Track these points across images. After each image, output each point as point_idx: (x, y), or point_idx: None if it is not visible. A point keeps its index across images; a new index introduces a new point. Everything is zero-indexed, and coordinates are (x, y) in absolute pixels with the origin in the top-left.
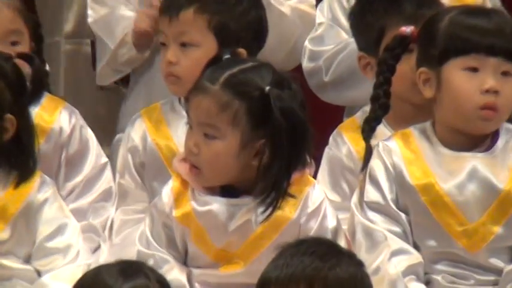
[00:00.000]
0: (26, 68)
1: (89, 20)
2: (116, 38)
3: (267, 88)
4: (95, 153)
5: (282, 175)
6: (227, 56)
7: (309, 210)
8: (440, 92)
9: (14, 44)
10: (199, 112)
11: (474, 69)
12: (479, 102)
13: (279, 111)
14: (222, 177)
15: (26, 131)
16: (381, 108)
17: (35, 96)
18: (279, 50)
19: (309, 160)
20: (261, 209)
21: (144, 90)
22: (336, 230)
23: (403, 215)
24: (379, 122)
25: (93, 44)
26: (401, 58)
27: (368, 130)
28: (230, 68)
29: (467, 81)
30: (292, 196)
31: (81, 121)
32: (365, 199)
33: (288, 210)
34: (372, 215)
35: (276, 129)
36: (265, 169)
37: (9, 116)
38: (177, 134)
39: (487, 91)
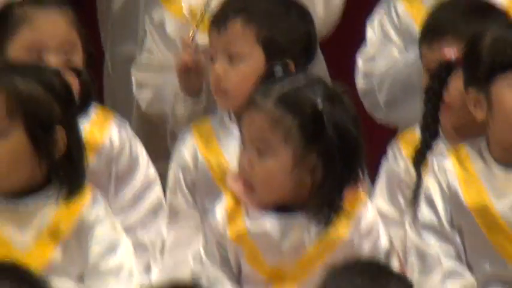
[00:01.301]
0: (74, 82)
1: (143, 108)
2: (169, 101)
3: (320, 104)
4: (145, 167)
5: (334, 191)
6: (278, 68)
7: (363, 230)
8: (492, 112)
9: (67, 53)
10: (252, 128)
11: None
12: None
13: (332, 128)
14: (276, 194)
15: (76, 145)
16: (431, 137)
17: (83, 110)
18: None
19: (361, 176)
20: (314, 226)
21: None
22: (389, 251)
23: (457, 237)
24: (429, 148)
25: None
26: (447, 83)
27: (420, 160)
28: (283, 84)
29: None
30: (347, 213)
31: (131, 132)
32: (420, 219)
33: (341, 231)
34: (426, 235)
35: (329, 145)
36: (318, 185)
37: (59, 127)
38: (228, 151)
39: None
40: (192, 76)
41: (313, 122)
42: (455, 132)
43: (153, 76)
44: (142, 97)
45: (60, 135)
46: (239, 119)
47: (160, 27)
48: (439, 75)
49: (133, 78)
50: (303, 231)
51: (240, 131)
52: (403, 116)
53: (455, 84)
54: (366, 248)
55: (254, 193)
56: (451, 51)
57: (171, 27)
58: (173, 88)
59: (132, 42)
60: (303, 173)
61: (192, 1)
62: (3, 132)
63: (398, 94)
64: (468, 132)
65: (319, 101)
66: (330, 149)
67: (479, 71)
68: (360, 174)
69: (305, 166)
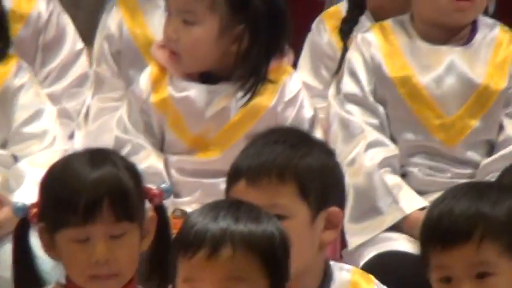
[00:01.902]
0: None
1: None
2: None
3: None
4: (72, 39)
5: (260, 60)
6: None
7: (286, 98)
8: None
9: None
10: None
11: None
12: None
13: None
14: (201, 63)
15: (2, 15)
16: (356, 8)
17: None
18: None
19: (287, 48)
20: (239, 95)
21: None
22: (313, 120)
23: (380, 107)
24: (356, 23)
25: None
26: None
27: (346, 31)
28: None
29: None
30: (272, 82)
31: (59, 7)
32: (343, 91)
33: (266, 99)
34: (349, 106)
35: (255, 14)
36: (244, 54)
37: None
38: (153, 23)
39: None
40: None
41: None
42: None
43: None
44: None
45: None
46: None
47: None
48: None
49: None
50: (227, 99)
51: (165, 0)
52: None
53: None
54: (289, 117)
55: (179, 61)
56: None
57: None
58: None
59: None
60: (228, 41)
61: None
62: None
63: None
64: (390, 14)
65: None
66: (256, 18)
67: None
68: (286, 44)
69: (231, 35)
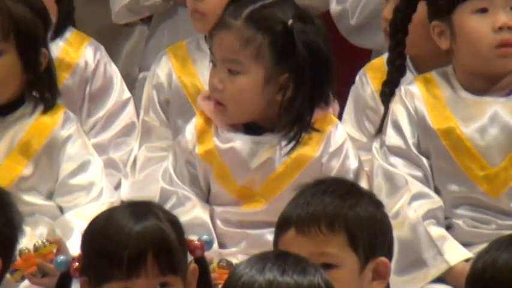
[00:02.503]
0: (52, 4)
1: None
2: None
3: (290, 22)
4: (118, 88)
5: (305, 109)
6: None
7: (331, 149)
8: (456, 41)
9: None
10: (223, 48)
11: (483, 10)
12: (494, 41)
13: (303, 45)
14: (246, 113)
15: (51, 63)
16: (397, 71)
17: (59, 33)
18: None
19: (332, 98)
20: (283, 144)
21: (168, 28)
22: (358, 171)
23: (424, 160)
24: (397, 85)
25: None
26: (412, 18)
27: (387, 93)
28: (252, 4)
29: (478, 22)
30: (317, 130)
31: (106, 57)
32: (386, 143)
33: (311, 149)
34: (393, 159)
35: (300, 63)
36: (289, 103)
37: (44, 50)
38: (203, 72)
39: (500, 28)
40: None
41: (283, 39)
42: (421, 66)
43: None
44: None
45: (44, 56)
46: None
47: None
48: (403, 10)
49: None
50: (272, 149)
51: (210, 51)
52: (375, 41)
53: (417, 17)
54: (334, 167)
55: (225, 111)
56: None
57: None
58: None
59: None
60: (273, 90)
61: None
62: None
63: (371, 19)
64: (431, 65)
65: (289, 19)
66: (300, 67)
67: (441, 3)
68: (331, 94)
69: (276, 84)
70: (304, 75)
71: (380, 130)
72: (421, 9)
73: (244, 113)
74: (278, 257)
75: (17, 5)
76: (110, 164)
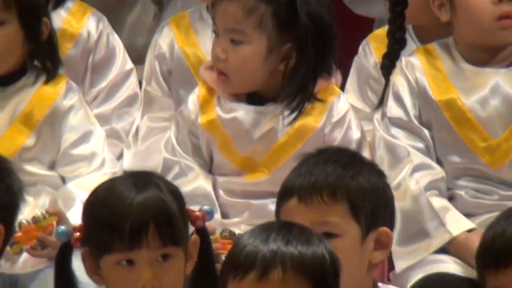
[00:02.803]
0: None
1: None
2: None
3: None
4: (121, 59)
5: (307, 78)
6: None
7: (334, 119)
8: (456, 13)
9: None
10: (226, 18)
11: None
12: (495, 13)
13: (305, 15)
14: (250, 83)
15: (53, 33)
16: (397, 43)
17: (61, 1)
18: None
19: (335, 69)
20: (286, 114)
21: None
22: (360, 142)
23: (426, 131)
24: (397, 57)
25: None
26: None
27: (387, 65)
28: None
29: None
30: (320, 100)
31: (109, 28)
32: (387, 115)
33: (313, 120)
34: (394, 130)
35: (302, 32)
36: (291, 73)
37: (45, 19)
38: (205, 42)
39: (500, 1)
40: None
41: (286, 9)
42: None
43: None
44: None
45: (45, 25)
46: None
47: None
48: None
49: None
50: (274, 120)
51: (213, 21)
52: (379, 9)
53: None
54: (337, 138)
55: (228, 81)
56: None
57: None
58: None
59: None
60: (276, 60)
61: None
62: (1, 22)
63: None
64: (434, 35)
65: None
66: (303, 36)
67: None
68: (333, 64)
69: (279, 53)
70: (307, 45)
71: (382, 102)
72: None
73: (247, 83)
74: (282, 227)
75: None
76: (113, 134)
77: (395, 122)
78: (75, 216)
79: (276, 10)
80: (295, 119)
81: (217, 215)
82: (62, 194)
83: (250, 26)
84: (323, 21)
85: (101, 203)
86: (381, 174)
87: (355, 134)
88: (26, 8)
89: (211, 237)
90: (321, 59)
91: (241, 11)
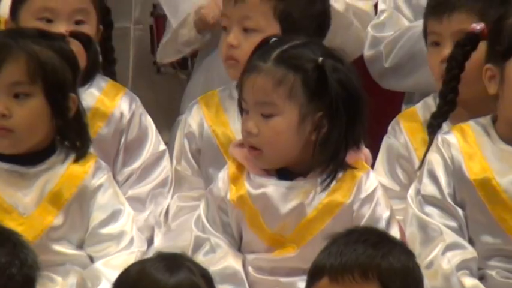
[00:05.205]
0: (80, 51)
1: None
2: (179, 17)
3: (321, 59)
4: (154, 140)
5: (339, 146)
6: (274, 39)
7: (362, 196)
8: (503, 87)
9: (78, 23)
10: (255, 91)
11: None
12: None
13: (335, 81)
14: (283, 155)
15: (81, 110)
16: (447, 104)
17: (88, 80)
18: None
19: (363, 145)
20: (315, 191)
21: (204, 76)
22: (389, 219)
23: (459, 210)
24: (445, 119)
25: (151, 29)
26: (471, 55)
27: (434, 125)
28: (280, 46)
29: None
30: (353, 167)
31: (141, 108)
32: (422, 192)
33: (342, 195)
34: (428, 208)
35: (333, 99)
36: (323, 140)
37: (72, 95)
38: (234, 121)
39: None
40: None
41: (315, 76)
42: (464, 106)
43: None
44: None
45: (73, 101)
46: None
47: None
48: (463, 46)
49: None
50: (304, 195)
51: (240, 98)
52: (410, 83)
53: (475, 57)
54: (365, 213)
55: (261, 156)
56: (479, 25)
57: None
58: (188, 9)
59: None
60: (309, 130)
61: None
62: (24, 95)
63: (405, 61)
64: (476, 108)
65: (318, 57)
66: (334, 103)
67: (499, 48)
68: (362, 138)
69: (311, 122)
70: (338, 111)
71: (419, 168)
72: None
73: (280, 156)
74: None
75: (44, 49)
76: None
77: (429, 200)
78: None
79: (305, 78)
80: (328, 185)
81: None
82: (89, 274)
83: (280, 97)
84: (353, 87)
85: (133, 285)
86: (410, 254)
87: (384, 211)
88: (52, 82)
89: None
90: (351, 126)
91: (270, 83)
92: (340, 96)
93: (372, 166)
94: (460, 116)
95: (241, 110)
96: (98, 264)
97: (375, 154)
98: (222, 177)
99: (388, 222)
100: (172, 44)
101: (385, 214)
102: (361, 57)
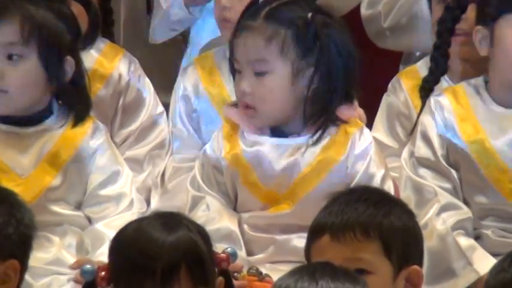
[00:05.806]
0: (82, 13)
1: None
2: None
3: (310, 14)
4: (152, 102)
5: (330, 99)
6: None
7: (356, 152)
8: (494, 48)
9: None
10: (247, 50)
11: None
12: None
13: (325, 36)
14: (277, 113)
15: (81, 73)
16: (439, 68)
17: (89, 42)
18: None
19: (357, 103)
20: (309, 148)
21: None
22: (383, 177)
23: (453, 171)
24: (437, 82)
25: None
26: (461, 19)
27: (426, 89)
28: (269, 4)
29: None
30: (344, 122)
31: (140, 70)
32: (415, 155)
33: (336, 152)
34: (422, 170)
35: (324, 53)
36: (315, 94)
37: (69, 58)
38: (230, 82)
39: None
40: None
41: (306, 32)
42: (462, 65)
43: None
44: None
45: (69, 64)
46: None
47: None
48: (453, 9)
49: None
50: (297, 152)
51: (233, 58)
52: (408, 42)
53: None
54: (359, 171)
55: (255, 114)
56: None
57: None
58: None
59: None
60: (302, 85)
61: None
62: (18, 56)
63: (404, 21)
64: (472, 68)
65: (308, 13)
66: (325, 58)
67: (488, 9)
68: (355, 93)
69: (303, 78)
70: (330, 66)
71: (411, 132)
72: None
73: (274, 113)
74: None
75: (41, 10)
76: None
77: (423, 162)
78: (104, 257)
79: (296, 34)
80: (319, 139)
81: (243, 253)
82: (90, 234)
83: (272, 53)
84: (344, 42)
85: (130, 243)
86: (411, 214)
87: (378, 168)
88: (47, 44)
89: (239, 275)
90: (343, 80)
91: (261, 40)
92: (331, 51)
93: (369, 126)
94: (468, 75)
95: (234, 72)
96: (99, 226)
97: (370, 110)
98: (217, 136)
99: (382, 179)
100: (165, 23)
101: (380, 172)
102: (357, 16)
